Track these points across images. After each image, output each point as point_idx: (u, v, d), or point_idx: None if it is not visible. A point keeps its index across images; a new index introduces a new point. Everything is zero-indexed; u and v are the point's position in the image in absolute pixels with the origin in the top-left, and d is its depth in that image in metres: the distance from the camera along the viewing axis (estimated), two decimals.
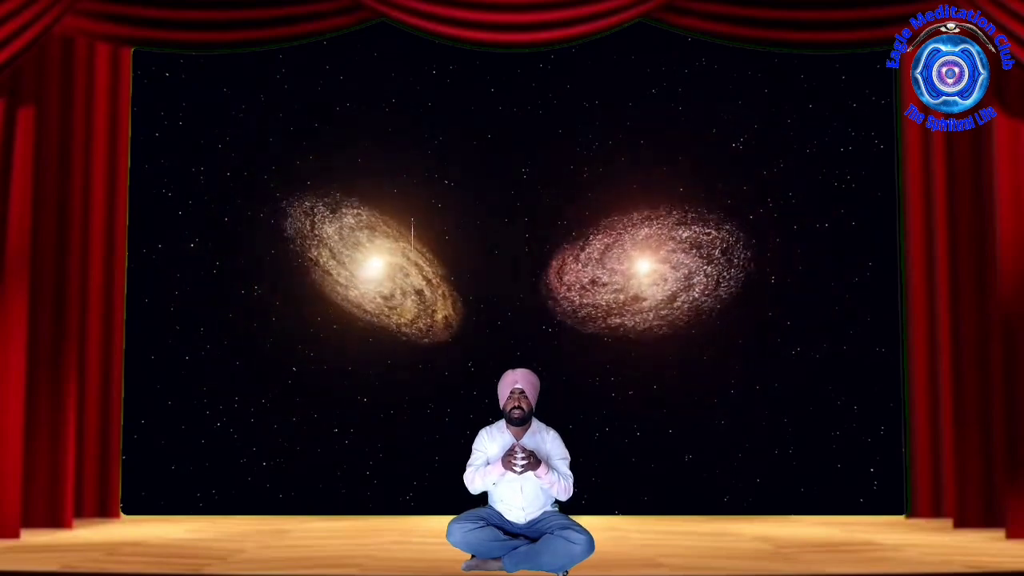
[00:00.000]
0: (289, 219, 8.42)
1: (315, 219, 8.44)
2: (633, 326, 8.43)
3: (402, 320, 8.44)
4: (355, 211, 8.47)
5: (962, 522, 7.38)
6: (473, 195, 8.46)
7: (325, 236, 8.44)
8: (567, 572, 5.35)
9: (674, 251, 8.48)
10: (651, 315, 8.43)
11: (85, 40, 7.69)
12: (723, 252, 8.44)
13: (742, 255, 8.42)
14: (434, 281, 8.48)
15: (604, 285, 8.49)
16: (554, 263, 8.49)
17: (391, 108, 8.45)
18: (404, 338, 8.41)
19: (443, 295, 8.46)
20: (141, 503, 8.11)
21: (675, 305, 8.43)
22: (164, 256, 8.33)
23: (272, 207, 8.41)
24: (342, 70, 8.45)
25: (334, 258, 8.45)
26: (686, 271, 8.46)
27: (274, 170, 8.41)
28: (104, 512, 7.81)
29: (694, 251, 8.46)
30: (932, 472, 7.92)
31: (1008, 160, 7.04)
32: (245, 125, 8.41)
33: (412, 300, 8.46)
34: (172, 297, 8.32)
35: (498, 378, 5.59)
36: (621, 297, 8.47)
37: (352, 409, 8.32)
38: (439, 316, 8.44)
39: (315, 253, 8.43)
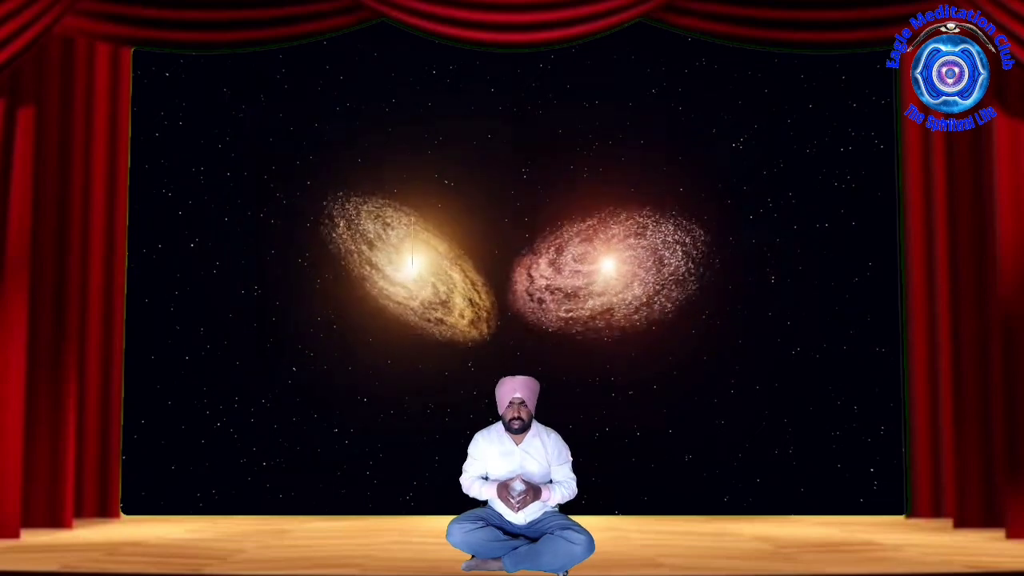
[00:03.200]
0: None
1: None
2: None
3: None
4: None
5: (962, 522, 7.38)
6: (473, 195, 8.46)
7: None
8: (567, 572, 5.35)
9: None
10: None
11: (85, 40, 7.68)
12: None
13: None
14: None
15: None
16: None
17: (391, 108, 8.45)
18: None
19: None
20: (141, 503, 8.11)
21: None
22: (164, 256, 8.34)
23: (272, 207, 8.41)
24: (342, 70, 8.45)
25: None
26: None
27: (274, 170, 8.42)
28: (104, 512, 7.81)
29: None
30: (932, 472, 7.92)
31: (1008, 160, 7.04)
32: (245, 125, 8.41)
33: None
34: (172, 297, 8.33)
35: (497, 381, 5.58)
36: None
37: (352, 409, 8.32)
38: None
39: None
